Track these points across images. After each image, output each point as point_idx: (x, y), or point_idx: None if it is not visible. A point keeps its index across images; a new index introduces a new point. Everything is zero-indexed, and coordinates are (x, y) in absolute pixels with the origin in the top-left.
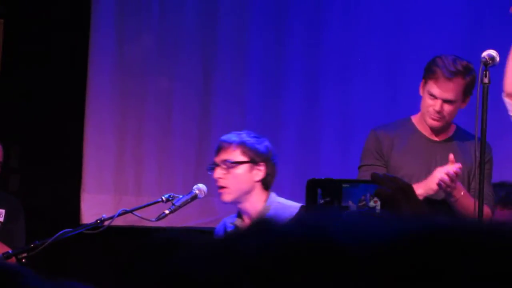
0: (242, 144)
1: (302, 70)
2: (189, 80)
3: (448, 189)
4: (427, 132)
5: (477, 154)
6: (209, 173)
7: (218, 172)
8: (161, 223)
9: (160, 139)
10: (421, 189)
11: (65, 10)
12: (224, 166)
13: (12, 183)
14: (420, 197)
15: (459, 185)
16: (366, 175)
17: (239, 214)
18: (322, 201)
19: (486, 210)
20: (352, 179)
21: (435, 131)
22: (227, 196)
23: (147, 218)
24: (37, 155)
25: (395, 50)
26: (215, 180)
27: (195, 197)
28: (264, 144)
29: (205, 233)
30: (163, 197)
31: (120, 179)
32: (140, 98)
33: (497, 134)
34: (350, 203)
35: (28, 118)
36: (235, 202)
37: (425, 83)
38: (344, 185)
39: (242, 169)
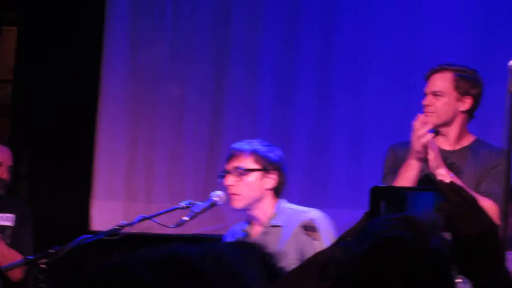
0: (254, 152)
1: (314, 78)
2: (201, 87)
3: (419, 134)
4: (442, 144)
5: (491, 160)
6: (219, 180)
7: (230, 179)
8: (173, 230)
9: (171, 145)
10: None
11: (79, 15)
12: (236, 173)
13: (22, 189)
14: (414, 165)
15: (445, 171)
16: (389, 182)
17: (249, 221)
18: (386, 210)
19: (494, 206)
20: (415, 187)
21: (443, 137)
22: (238, 203)
23: (166, 224)
24: (47, 161)
25: (408, 60)
26: (227, 187)
27: (214, 204)
28: (276, 153)
29: (214, 240)
30: (182, 204)
31: (130, 186)
32: (152, 104)
33: None
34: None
35: (39, 124)
36: (245, 209)
37: None
38: (407, 193)
39: (253, 176)
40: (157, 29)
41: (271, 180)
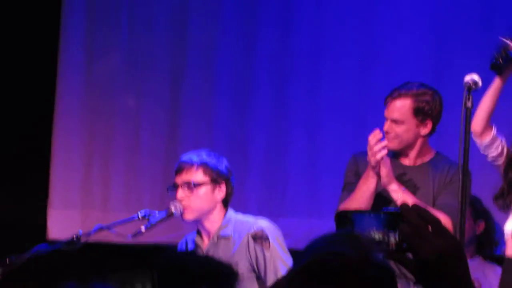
0: (203, 165)
1: (270, 88)
2: (157, 98)
3: (375, 150)
4: (402, 159)
5: (449, 175)
6: (169, 193)
7: (181, 193)
8: (130, 240)
9: (128, 156)
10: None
11: (34, 27)
12: (186, 187)
13: None
14: (373, 179)
15: (396, 186)
16: (346, 194)
17: (198, 232)
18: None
19: (446, 219)
20: (381, 211)
21: (403, 155)
22: (189, 215)
23: (124, 234)
24: (3, 171)
25: (365, 70)
26: (178, 200)
27: (171, 214)
28: (224, 164)
29: (170, 249)
30: (139, 214)
31: (87, 195)
32: (108, 115)
33: (480, 156)
34: (373, 233)
35: None
36: (196, 221)
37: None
38: (372, 216)
39: (204, 189)
40: (113, 40)
41: (221, 191)
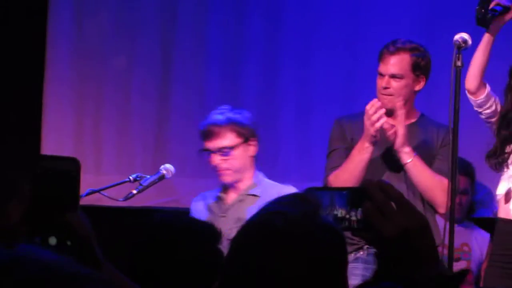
0: (233, 125)
1: (261, 54)
2: (148, 61)
3: (374, 119)
4: (390, 118)
5: (440, 138)
6: (206, 158)
7: (217, 159)
8: (125, 203)
9: (119, 120)
10: (364, 140)
11: None
12: (221, 153)
13: None
14: (368, 149)
15: (409, 149)
16: (333, 160)
17: (225, 188)
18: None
19: (445, 181)
20: (347, 187)
21: (391, 114)
22: (229, 178)
23: (115, 197)
24: None
25: (354, 32)
26: (214, 165)
27: (162, 177)
28: (249, 118)
29: (164, 212)
30: (130, 177)
31: (79, 159)
32: (98, 79)
33: (469, 116)
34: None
35: None
36: (235, 182)
37: (377, 67)
38: (334, 192)
39: (239, 150)
40: (103, 1)
41: (253, 146)
